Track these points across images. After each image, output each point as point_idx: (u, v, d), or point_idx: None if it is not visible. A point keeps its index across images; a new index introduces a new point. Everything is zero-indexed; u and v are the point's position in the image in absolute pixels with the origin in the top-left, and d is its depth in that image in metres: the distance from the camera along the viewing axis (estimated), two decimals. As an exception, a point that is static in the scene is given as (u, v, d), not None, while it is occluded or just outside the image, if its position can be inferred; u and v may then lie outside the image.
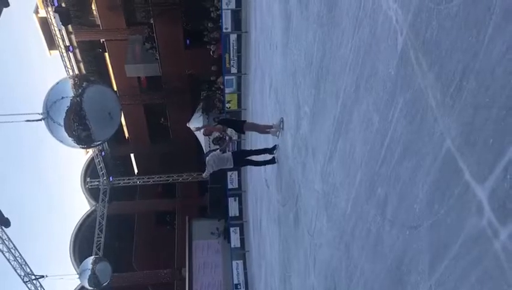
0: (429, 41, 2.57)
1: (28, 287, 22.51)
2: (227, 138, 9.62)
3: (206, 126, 9.18)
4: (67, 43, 22.54)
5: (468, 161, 2.18)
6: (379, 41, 3.33)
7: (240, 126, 9.94)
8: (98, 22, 24.07)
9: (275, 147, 9.01)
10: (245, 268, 19.82)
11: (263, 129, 9.38)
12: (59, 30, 21.62)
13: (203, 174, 9.51)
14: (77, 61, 24.05)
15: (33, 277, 22.51)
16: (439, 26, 2.46)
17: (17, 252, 21.75)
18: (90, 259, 23.30)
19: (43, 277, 22.81)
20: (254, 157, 9.66)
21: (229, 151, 9.84)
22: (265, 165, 9.57)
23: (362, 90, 3.73)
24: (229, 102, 17.93)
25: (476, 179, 2.10)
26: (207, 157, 8.88)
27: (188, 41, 23.60)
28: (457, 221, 2.26)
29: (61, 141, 13.37)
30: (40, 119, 12.59)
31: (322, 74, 5.09)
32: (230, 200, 20.03)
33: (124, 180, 27.87)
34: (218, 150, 8.91)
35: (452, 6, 2.32)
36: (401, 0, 2.97)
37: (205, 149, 21.72)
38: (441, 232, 2.44)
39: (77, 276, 23.77)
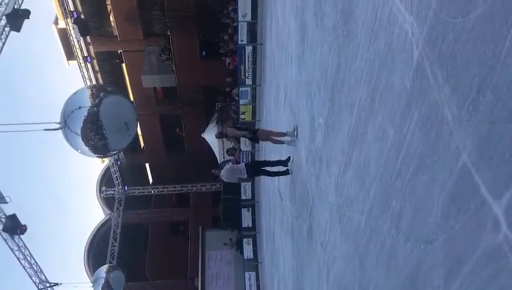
0: (445, 55, 2.56)
1: (42, 294, 22.73)
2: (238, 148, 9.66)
3: (230, 131, 9.09)
4: (86, 54, 22.96)
5: (484, 175, 2.15)
6: (394, 53, 3.33)
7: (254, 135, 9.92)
8: (116, 33, 24.49)
9: (289, 159, 8.99)
10: (257, 280, 19.71)
11: (276, 137, 9.34)
12: (78, 41, 22.06)
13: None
14: (95, 72, 24.46)
15: (48, 284, 22.73)
16: (455, 39, 2.45)
17: (32, 259, 22.00)
18: (104, 268, 23.45)
19: (57, 284, 23.03)
20: (268, 168, 9.65)
21: (243, 162, 9.86)
22: (279, 176, 9.55)
23: (377, 102, 3.72)
24: (243, 113, 17.98)
25: (492, 194, 2.07)
26: (221, 173, 8.95)
27: (203, 53, 23.85)
28: (473, 236, 2.22)
29: (77, 150, 13.58)
30: (58, 129, 12.81)
31: (337, 86, 5.09)
32: (244, 210, 19.99)
33: (139, 189, 28.06)
34: (231, 162, 8.97)
35: (468, 19, 2.31)
36: (417, 13, 2.96)
37: (219, 159, 21.79)
38: (456, 247, 2.40)
39: (91, 284, 23.92)
